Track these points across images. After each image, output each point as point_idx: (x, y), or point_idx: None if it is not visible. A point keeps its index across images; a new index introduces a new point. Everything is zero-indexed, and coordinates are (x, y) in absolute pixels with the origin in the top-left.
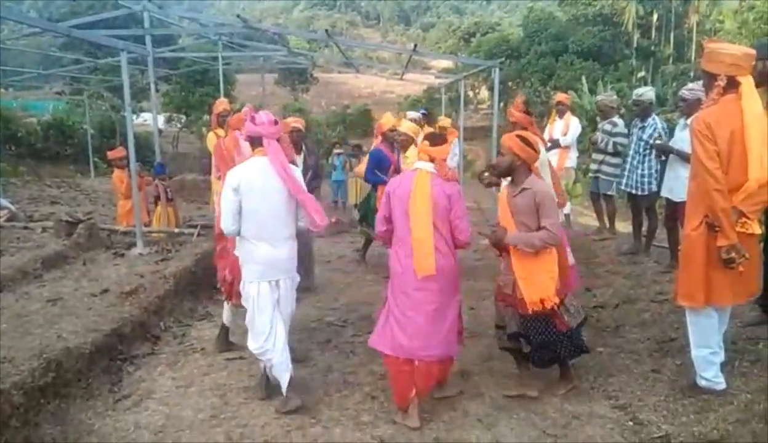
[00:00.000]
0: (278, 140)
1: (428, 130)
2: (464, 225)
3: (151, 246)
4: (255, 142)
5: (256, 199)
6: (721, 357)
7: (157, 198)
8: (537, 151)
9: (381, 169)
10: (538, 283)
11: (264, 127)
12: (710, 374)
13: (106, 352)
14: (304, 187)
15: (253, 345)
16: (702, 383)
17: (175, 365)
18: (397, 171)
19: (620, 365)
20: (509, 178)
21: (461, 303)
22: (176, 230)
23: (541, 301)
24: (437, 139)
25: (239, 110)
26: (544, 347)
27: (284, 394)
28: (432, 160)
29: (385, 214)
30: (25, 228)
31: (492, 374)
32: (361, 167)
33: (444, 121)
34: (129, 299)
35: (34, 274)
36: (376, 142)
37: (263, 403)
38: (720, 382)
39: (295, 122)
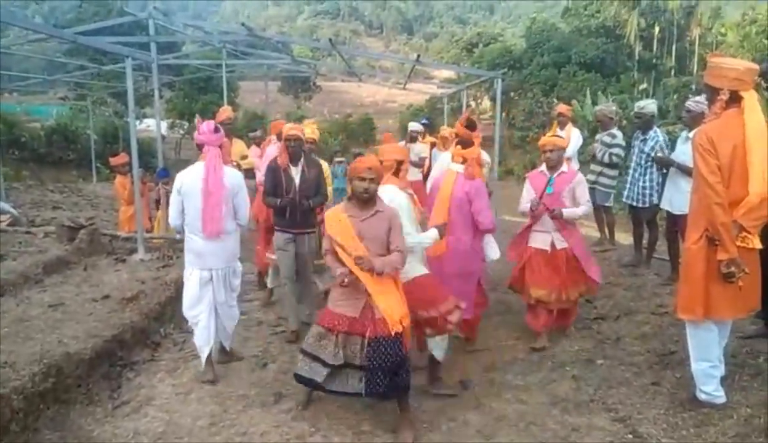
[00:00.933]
0: (220, 147)
1: (429, 140)
2: (483, 217)
3: (153, 252)
4: (201, 148)
5: (192, 199)
6: (721, 370)
7: (158, 202)
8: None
9: None
10: (395, 304)
11: (205, 135)
12: (710, 387)
13: (106, 358)
14: (222, 196)
15: (187, 313)
16: (702, 396)
17: (175, 372)
18: None
19: (620, 377)
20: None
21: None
22: (178, 236)
23: (401, 320)
24: (467, 143)
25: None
26: (390, 371)
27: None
28: (465, 161)
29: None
30: (27, 233)
31: (492, 385)
32: None
33: (445, 130)
34: (130, 305)
35: (35, 279)
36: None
37: (263, 411)
38: (720, 396)
39: (293, 129)
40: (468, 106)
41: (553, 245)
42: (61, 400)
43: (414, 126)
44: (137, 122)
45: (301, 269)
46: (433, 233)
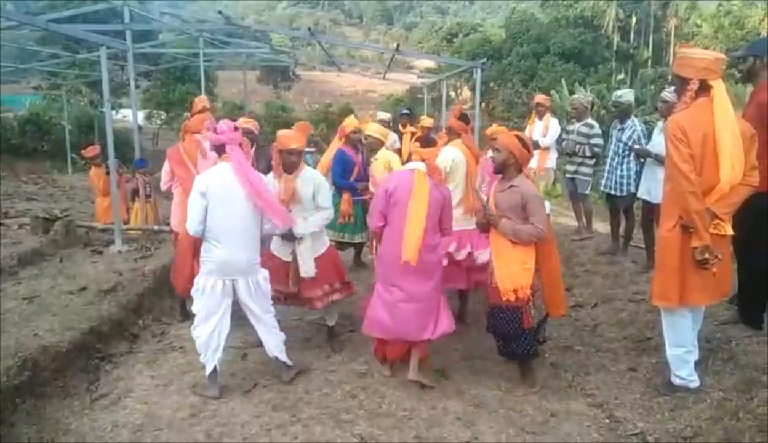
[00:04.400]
0: (240, 145)
1: (410, 129)
2: (450, 225)
3: (130, 243)
4: (220, 149)
5: (220, 204)
6: (695, 355)
7: (136, 192)
8: (531, 153)
9: (345, 171)
10: (513, 274)
11: (225, 134)
12: (684, 372)
13: (84, 351)
14: (267, 190)
15: (195, 333)
16: (676, 381)
17: (154, 363)
18: (361, 173)
19: (597, 363)
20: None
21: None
22: (155, 228)
23: (515, 291)
24: (428, 142)
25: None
26: (506, 340)
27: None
28: (423, 161)
29: (382, 210)
30: (0, 224)
31: (472, 372)
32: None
33: (426, 120)
34: (107, 297)
35: (9, 271)
36: (338, 144)
37: (243, 401)
38: (694, 380)
39: (247, 123)
40: (448, 96)
41: None
42: (37, 394)
43: (382, 115)
44: (113, 112)
45: None
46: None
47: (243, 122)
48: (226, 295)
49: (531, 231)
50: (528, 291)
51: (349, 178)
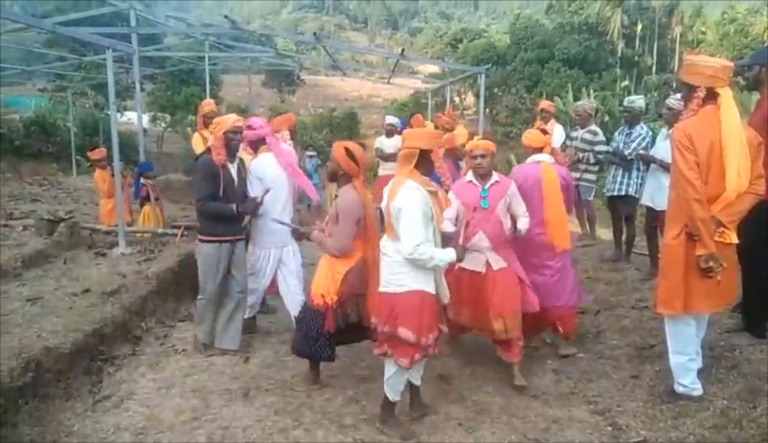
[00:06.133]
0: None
1: None
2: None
3: (134, 246)
4: (258, 143)
5: (275, 183)
6: (698, 363)
7: (146, 198)
8: (358, 165)
9: None
10: (324, 279)
11: (263, 129)
12: (687, 380)
13: (87, 353)
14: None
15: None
16: (679, 389)
17: (157, 366)
18: None
19: (600, 370)
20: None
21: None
22: (160, 230)
23: (322, 296)
24: (547, 133)
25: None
26: (307, 339)
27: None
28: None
29: None
30: (5, 226)
31: (474, 378)
32: None
33: (429, 125)
34: (110, 299)
35: (13, 273)
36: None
37: (245, 405)
38: (697, 388)
39: (239, 120)
40: (452, 101)
41: (488, 265)
42: (40, 395)
43: (390, 119)
44: (118, 115)
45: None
46: (451, 253)
47: (235, 120)
48: (275, 261)
49: (331, 245)
50: (335, 298)
51: None
